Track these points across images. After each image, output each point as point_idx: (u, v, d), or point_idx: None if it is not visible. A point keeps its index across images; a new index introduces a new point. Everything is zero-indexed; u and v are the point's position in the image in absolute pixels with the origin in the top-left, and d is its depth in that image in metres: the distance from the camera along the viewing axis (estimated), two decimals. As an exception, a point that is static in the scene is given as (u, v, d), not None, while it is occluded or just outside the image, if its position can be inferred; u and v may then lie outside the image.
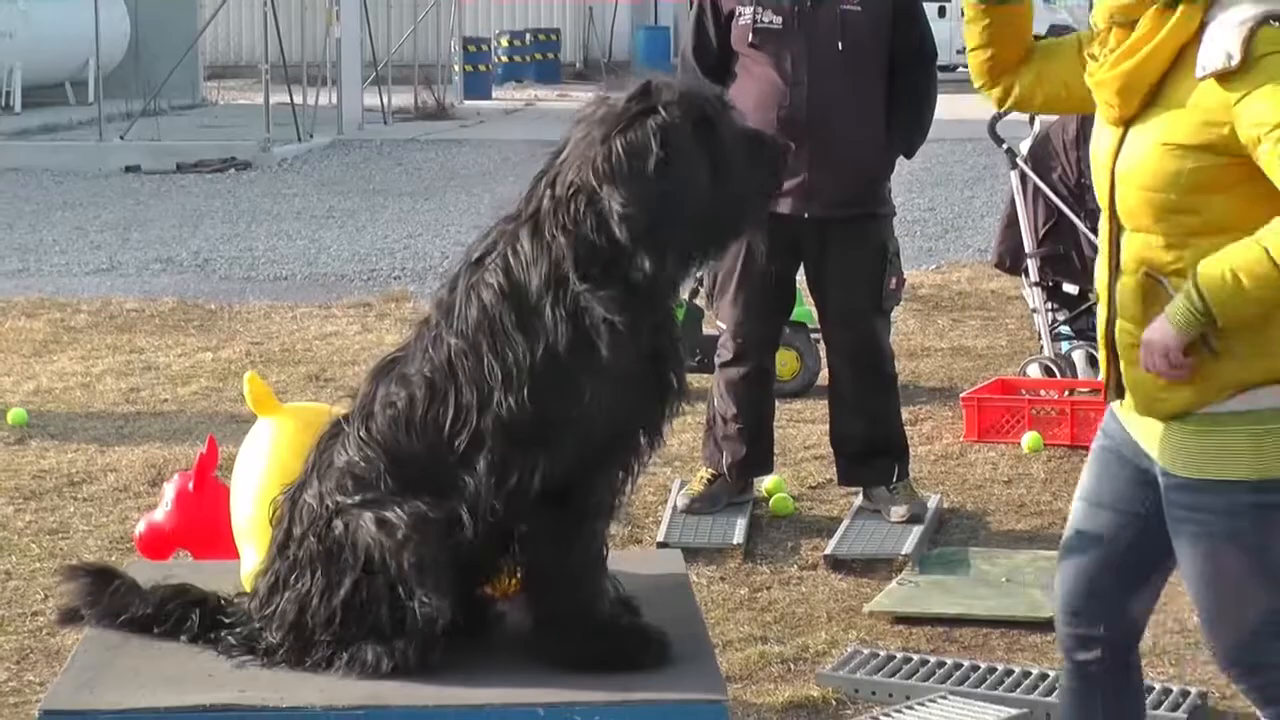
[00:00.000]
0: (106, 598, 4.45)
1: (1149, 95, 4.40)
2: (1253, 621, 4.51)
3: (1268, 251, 4.18)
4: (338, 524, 4.19)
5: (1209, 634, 4.67)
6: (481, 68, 39.07)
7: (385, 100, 32.78)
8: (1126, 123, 4.46)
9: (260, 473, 5.04)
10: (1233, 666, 4.65)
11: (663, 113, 4.14)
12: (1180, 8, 4.34)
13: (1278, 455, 4.36)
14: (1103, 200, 4.57)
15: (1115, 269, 4.54)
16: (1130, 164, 4.43)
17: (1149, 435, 4.55)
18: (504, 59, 42.02)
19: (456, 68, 37.66)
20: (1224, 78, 4.24)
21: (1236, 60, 4.20)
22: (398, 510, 4.14)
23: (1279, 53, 4.20)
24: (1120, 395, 4.58)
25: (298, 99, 28.82)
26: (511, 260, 4.18)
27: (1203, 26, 4.32)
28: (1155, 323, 4.32)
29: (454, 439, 4.17)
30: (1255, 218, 4.24)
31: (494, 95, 38.23)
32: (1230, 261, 4.21)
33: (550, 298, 4.12)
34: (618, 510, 4.41)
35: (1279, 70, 4.19)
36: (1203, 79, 4.28)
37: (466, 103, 36.28)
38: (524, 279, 4.15)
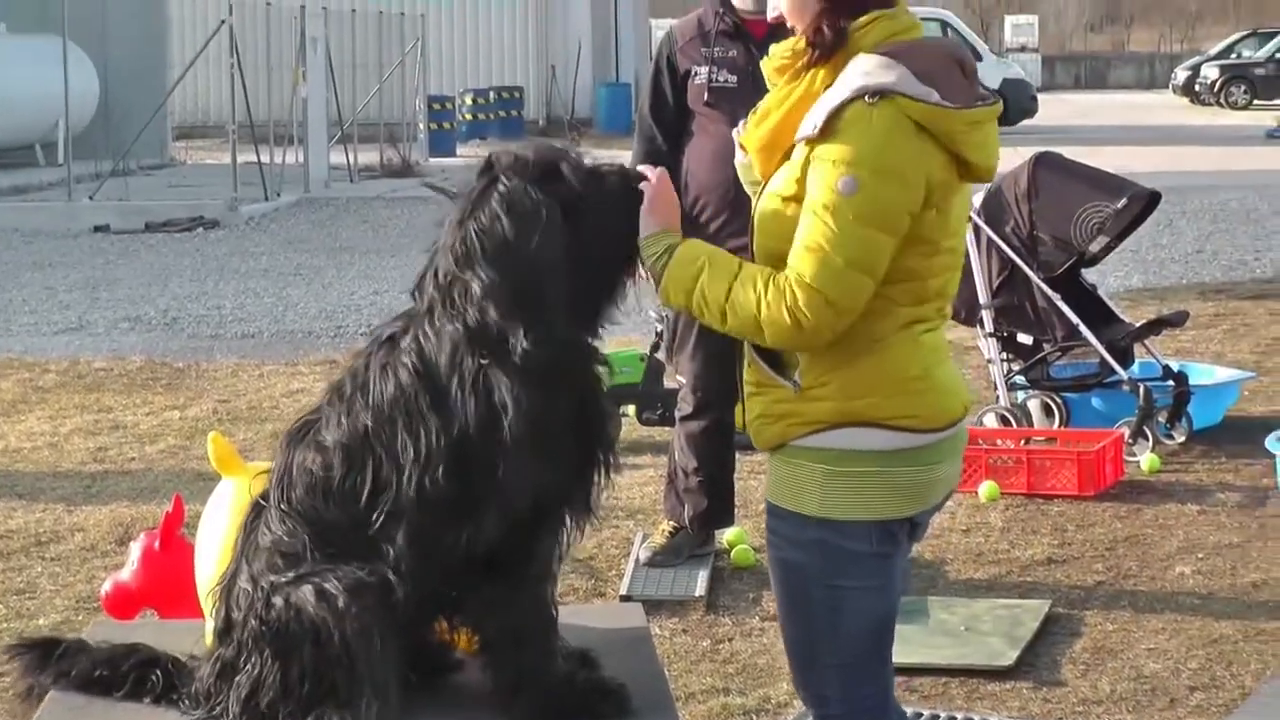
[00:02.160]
0: (55, 664, 4.42)
1: (785, 155, 4.48)
2: (818, 652, 4.58)
3: (721, 275, 4.31)
4: (276, 602, 4.17)
5: (788, 656, 4.72)
6: (446, 125, 39.11)
7: (351, 158, 32.81)
8: (768, 179, 4.56)
9: (225, 532, 5.02)
10: (802, 691, 4.73)
11: (502, 181, 4.16)
12: (806, 77, 4.45)
13: (841, 497, 4.42)
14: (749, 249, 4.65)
15: None
16: (759, 212, 4.52)
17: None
18: (468, 117, 42.04)
19: (421, 125, 37.71)
20: (809, 142, 4.32)
21: (817, 130, 4.28)
22: (334, 580, 4.12)
23: (851, 131, 4.25)
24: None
25: (265, 158, 28.81)
26: (423, 342, 4.19)
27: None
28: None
29: (372, 511, 4.17)
30: None
31: (458, 152, 38.22)
32: (691, 263, 4.33)
33: (456, 379, 4.14)
34: (558, 572, 4.39)
35: (840, 147, 4.25)
36: (797, 140, 4.37)
37: (431, 160, 36.28)
38: (435, 360, 4.17)
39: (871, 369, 4.37)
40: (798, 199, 4.33)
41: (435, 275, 4.22)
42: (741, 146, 4.66)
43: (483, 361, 4.12)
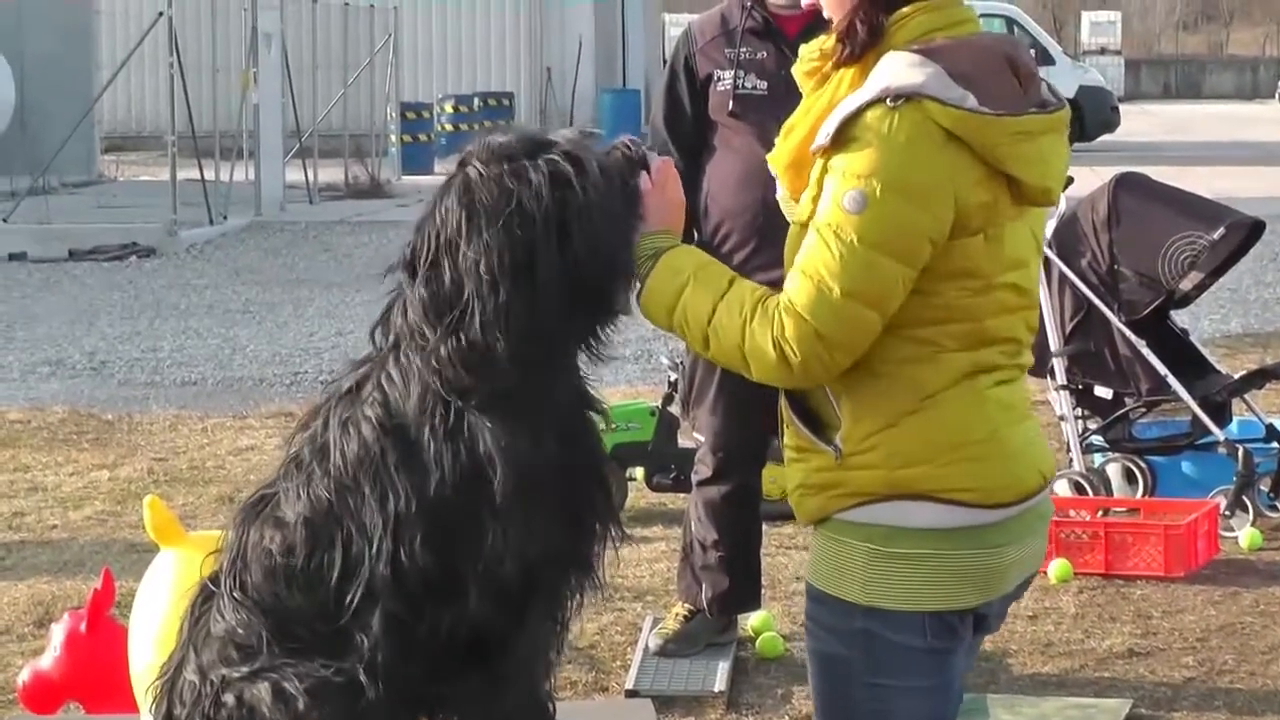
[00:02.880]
0: None
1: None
2: None
3: (708, 296, 4.33)
4: (228, 699, 4.21)
5: None
6: (422, 138, 39.22)
7: (311, 176, 32.86)
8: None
9: (164, 612, 5.05)
10: None
11: (474, 167, 4.18)
12: (834, 80, 4.46)
13: (889, 582, 4.38)
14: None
15: None
16: (786, 247, 4.52)
17: None
18: (448, 128, 42.02)
19: (393, 138, 37.77)
20: (823, 153, 4.32)
21: (828, 139, 4.29)
22: (294, 679, 4.16)
23: (866, 140, 4.25)
24: None
25: (209, 175, 28.87)
26: (388, 389, 4.21)
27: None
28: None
29: (342, 594, 4.19)
30: None
31: (436, 169, 38.27)
32: (674, 277, 4.35)
33: (429, 427, 4.15)
34: (555, 664, 4.42)
35: (855, 159, 4.25)
36: (813, 151, 4.37)
37: (405, 178, 36.40)
38: (402, 409, 4.18)
39: (923, 430, 4.31)
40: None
41: (402, 307, 4.23)
42: (774, 169, 4.66)
43: (458, 404, 4.13)
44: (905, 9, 4.37)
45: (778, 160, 4.58)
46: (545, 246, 4.13)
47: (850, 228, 4.19)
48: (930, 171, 4.24)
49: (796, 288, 4.22)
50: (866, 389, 4.32)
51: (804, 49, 4.58)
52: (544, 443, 4.19)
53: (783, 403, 4.48)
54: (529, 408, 4.16)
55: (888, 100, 4.23)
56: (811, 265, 4.21)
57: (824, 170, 4.31)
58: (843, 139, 4.25)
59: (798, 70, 4.56)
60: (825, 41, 4.46)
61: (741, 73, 8.27)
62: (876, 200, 4.18)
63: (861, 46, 4.38)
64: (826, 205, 4.24)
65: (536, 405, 4.18)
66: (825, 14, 4.50)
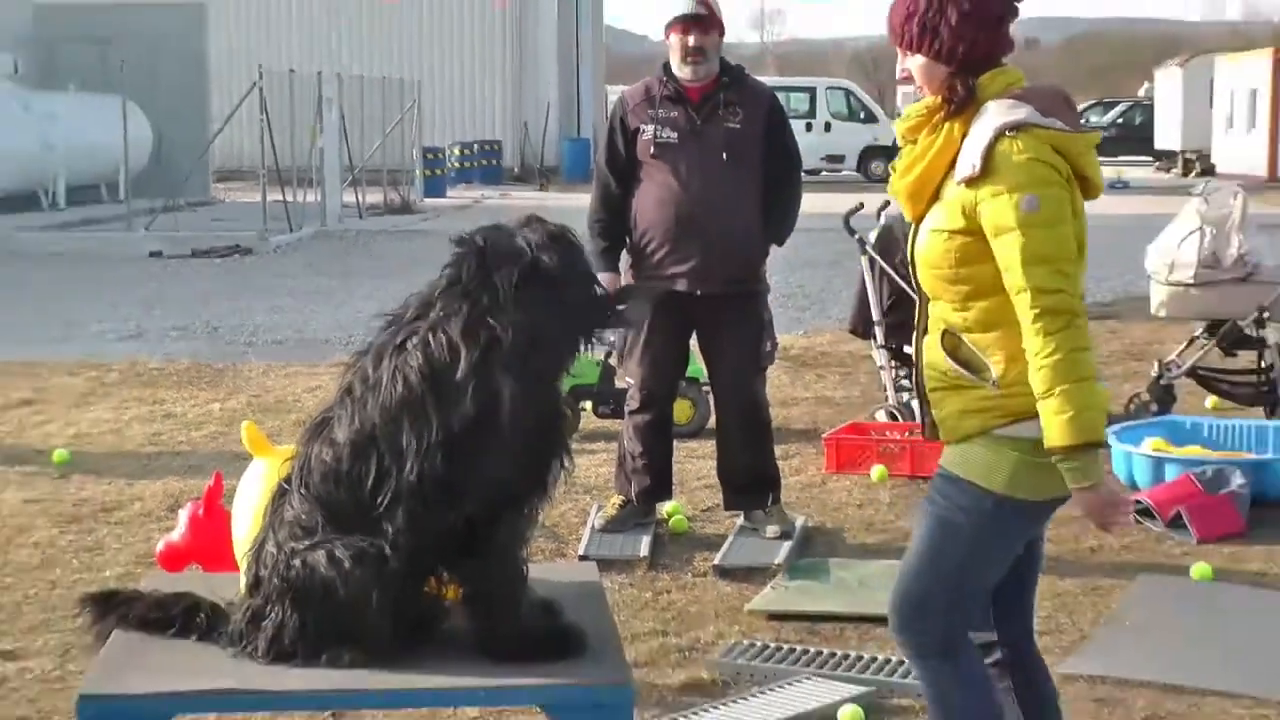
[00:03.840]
0: (117, 609, 4.45)
1: (933, 197, 4.48)
2: (930, 592, 4.54)
3: (1060, 389, 4.22)
4: (296, 563, 4.21)
5: (900, 598, 4.62)
6: (438, 171, 39.10)
7: (360, 198, 32.76)
8: (919, 219, 4.54)
9: (255, 503, 5.04)
10: (893, 614, 4.64)
11: (552, 233, 4.28)
12: (945, 129, 4.42)
13: (1028, 479, 4.38)
14: (913, 279, 4.65)
15: (922, 331, 4.61)
16: (920, 248, 4.50)
17: (946, 454, 4.59)
18: (456, 164, 41.99)
19: (418, 172, 37.66)
20: (970, 182, 4.31)
21: (977, 169, 4.28)
22: (341, 547, 4.16)
23: (1008, 163, 4.27)
24: (934, 434, 4.61)
25: (289, 197, 28.77)
26: (433, 346, 4.19)
27: (965, 139, 4.39)
28: (1078, 502, 4.34)
29: (376, 494, 4.19)
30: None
31: (448, 194, 38.21)
32: (1055, 418, 4.23)
33: (474, 380, 4.13)
34: (529, 539, 4.43)
35: (1004, 179, 4.27)
36: (958, 182, 4.36)
37: (426, 200, 36.28)
38: (446, 362, 4.16)
39: None
40: (965, 231, 4.34)
41: (485, 285, 4.21)
42: (894, 197, 4.62)
43: (505, 374, 4.13)
44: (984, 75, 4.40)
45: (899, 191, 4.55)
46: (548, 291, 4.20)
47: (1037, 220, 4.23)
48: (1053, 169, 4.30)
49: (1032, 275, 4.23)
50: (1014, 340, 4.31)
51: (909, 109, 4.55)
52: (534, 403, 4.19)
53: (940, 356, 4.47)
54: (537, 389, 4.20)
55: (1006, 132, 4.27)
56: (1030, 254, 4.23)
57: (974, 195, 4.31)
58: (987, 169, 4.27)
59: (902, 126, 4.53)
60: (930, 103, 4.45)
61: (659, 127, 8.25)
62: (1040, 196, 4.24)
63: (962, 104, 4.39)
64: (1003, 217, 4.25)
65: (542, 388, 4.23)
66: (916, 86, 4.50)
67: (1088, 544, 8.49)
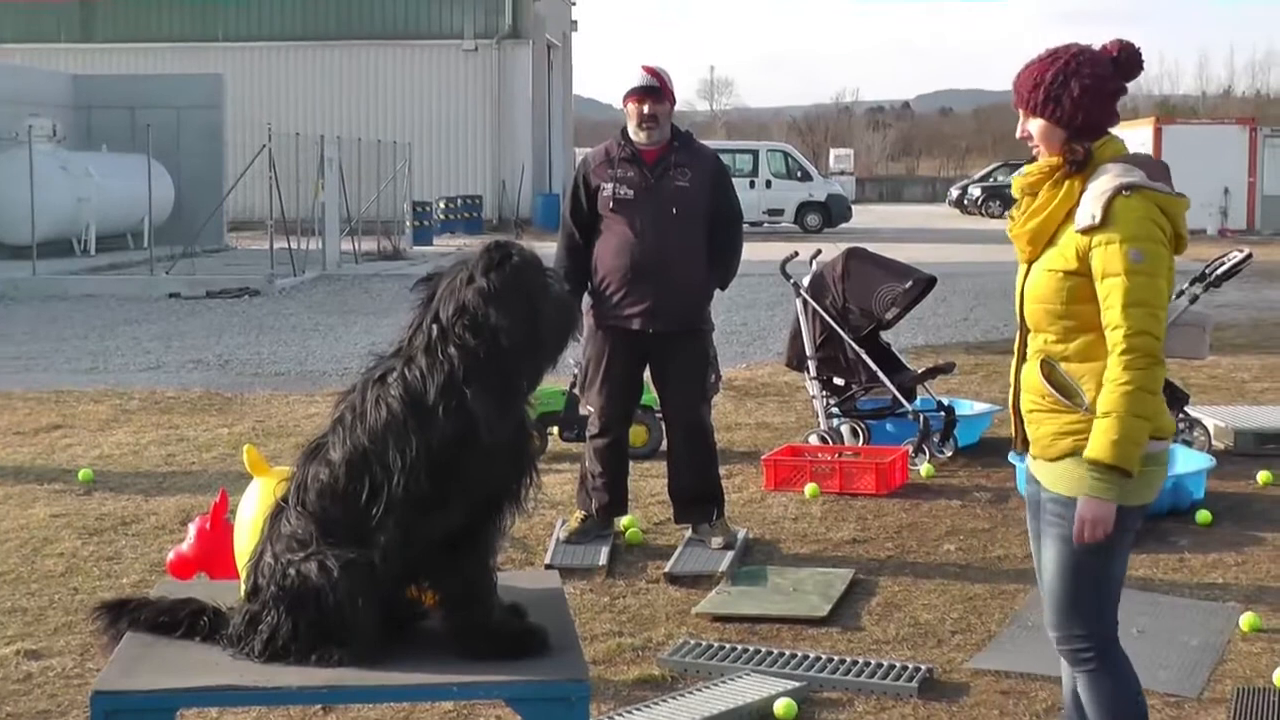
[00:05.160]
0: (129, 613, 4.38)
1: (1048, 242, 4.55)
2: (1079, 598, 4.57)
3: (1118, 415, 4.31)
4: (290, 573, 4.14)
5: (1051, 606, 4.66)
6: (425, 223, 38.97)
7: (356, 245, 32.65)
8: (1031, 261, 4.61)
9: (254, 518, 4.99)
10: (1054, 631, 4.67)
11: (516, 257, 4.15)
12: (1065, 184, 4.50)
13: (1124, 489, 4.44)
14: (1016, 313, 4.71)
15: (1021, 359, 4.69)
16: (1031, 285, 4.58)
17: (1041, 470, 4.65)
18: (442, 216, 41.88)
19: (408, 222, 37.62)
20: (1087, 231, 4.40)
21: (1098, 220, 4.37)
22: (331, 558, 4.10)
23: (1123, 217, 4.35)
24: (1025, 447, 4.69)
25: (294, 244, 28.68)
26: (409, 377, 4.14)
27: (1082, 193, 4.47)
28: (1083, 506, 4.41)
29: (370, 508, 4.13)
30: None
31: (434, 242, 38.09)
32: (1104, 436, 4.34)
33: (444, 401, 4.08)
34: (501, 548, 4.38)
35: (1118, 231, 4.35)
36: (1077, 230, 4.44)
37: (415, 248, 36.19)
38: (421, 389, 4.11)
39: None
40: (1079, 273, 4.42)
41: (437, 317, 4.14)
42: (1013, 237, 4.68)
43: (464, 390, 4.07)
44: (1098, 140, 4.50)
45: (1019, 235, 4.62)
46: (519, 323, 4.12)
47: (1142, 270, 4.32)
48: (1159, 228, 4.38)
49: (1130, 318, 4.31)
50: (1101, 372, 4.40)
51: (1028, 168, 4.62)
52: (509, 424, 4.15)
53: (1038, 380, 4.54)
54: (506, 404, 4.13)
55: (1124, 191, 4.36)
56: (1132, 299, 4.32)
57: (1089, 242, 4.39)
58: (1106, 220, 4.35)
59: (1021, 182, 4.62)
60: (1050, 162, 4.53)
61: (617, 185, 8.23)
62: (1147, 251, 4.34)
63: (1081, 164, 4.48)
64: (1114, 264, 4.35)
65: (511, 403, 4.16)
66: (1033, 145, 4.57)
67: (995, 553, 8.47)
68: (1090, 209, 4.39)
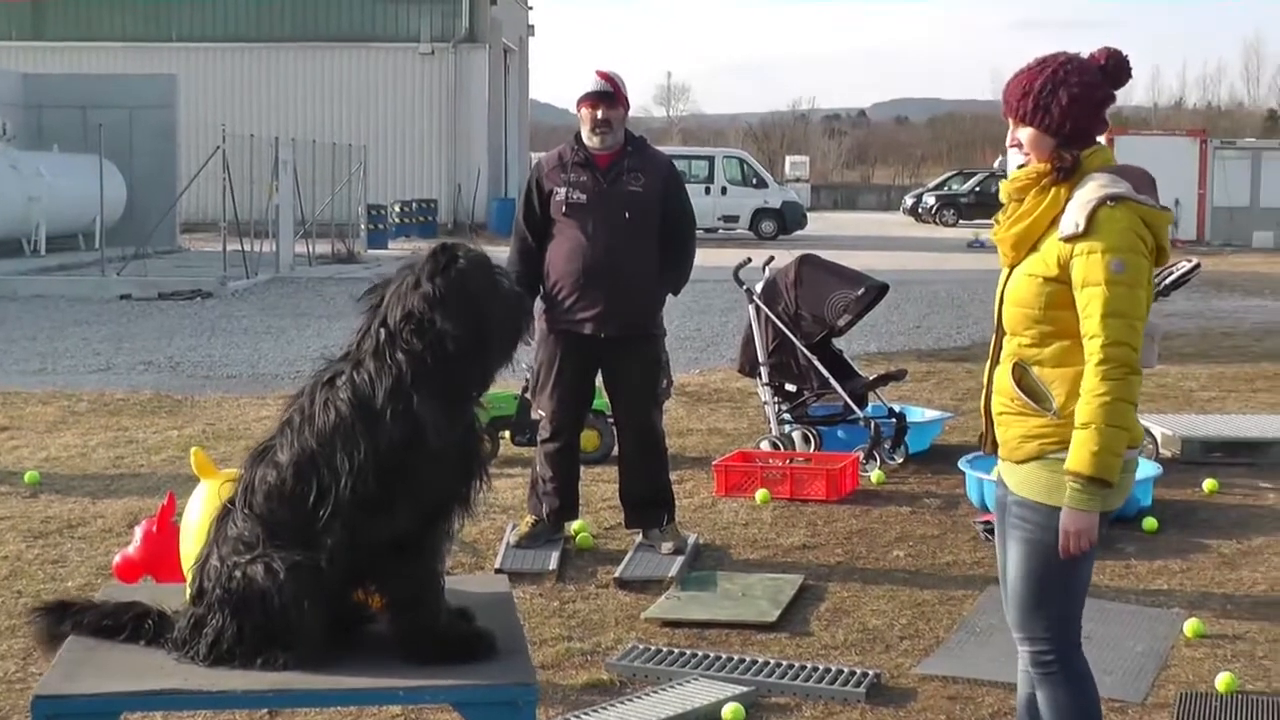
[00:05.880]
0: (72, 616, 4.35)
1: (1031, 247, 4.57)
2: (1043, 604, 4.60)
3: (1097, 426, 4.33)
4: (236, 575, 4.12)
5: (1015, 609, 4.68)
6: (380, 226, 38.83)
7: (310, 248, 32.53)
8: (1013, 265, 4.63)
9: (200, 522, 4.97)
10: (1018, 632, 4.70)
11: (463, 260, 4.14)
12: (1051, 191, 4.53)
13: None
14: (995, 316, 4.73)
15: (995, 361, 4.71)
16: (1011, 288, 4.60)
17: (1008, 472, 4.67)
18: (396, 220, 41.72)
19: (362, 226, 37.45)
20: (1071, 239, 4.42)
21: (1081, 228, 4.39)
22: (278, 560, 4.08)
23: (1106, 228, 4.37)
24: (994, 448, 4.72)
25: (247, 247, 28.53)
26: (357, 380, 4.13)
27: (1068, 201, 4.49)
28: (1066, 518, 4.43)
29: (317, 510, 4.11)
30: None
31: (389, 246, 37.97)
32: (1084, 448, 4.35)
33: (392, 405, 4.08)
34: (449, 552, 4.37)
35: (1100, 241, 4.37)
36: (1060, 238, 4.46)
37: (369, 251, 36.07)
38: (369, 393, 4.10)
39: None
40: (1059, 280, 4.44)
41: (385, 322, 4.13)
42: (997, 242, 4.69)
43: (412, 394, 4.06)
44: (1086, 150, 4.51)
45: (1003, 239, 4.63)
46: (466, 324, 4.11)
47: (1122, 281, 4.34)
48: (1141, 240, 4.40)
49: (1108, 327, 4.35)
50: (1073, 378, 4.43)
51: (1017, 172, 4.63)
52: (456, 427, 4.14)
53: (1008, 382, 4.58)
54: (454, 407, 4.12)
55: (1108, 201, 4.38)
56: (1111, 309, 4.34)
57: (1071, 249, 4.40)
58: (1089, 229, 4.37)
59: (1009, 187, 4.63)
60: (1038, 168, 4.54)
61: (570, 189, 8.24)
62: (1128, 262, 4.35)
63: (1068, 172, 4.50)
64: (1094, 273, 4.37)
65: (459, 406, 4.15)
66: (1024, 152, 4.58)
67: (944, 559, 8.50)
68: (1074, 217, 4.42)
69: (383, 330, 4.15)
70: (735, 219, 45.83)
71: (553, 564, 8.12)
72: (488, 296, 4.17)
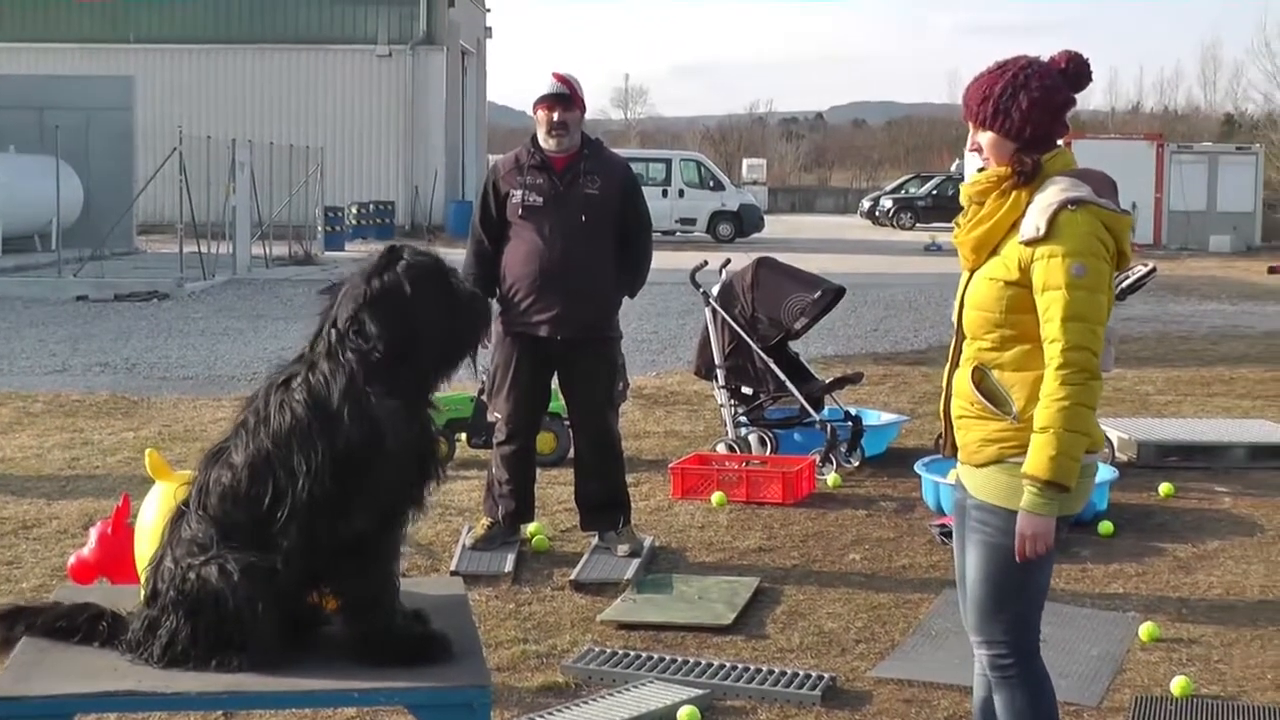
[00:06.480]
0: (25, 618, 4.33)
1: (991, 251, 4.56)
2: (1001, 607, 4.60)
3: (1055, 431, 4.33)
4: (190, 577, 4.10)
5: (972, 612, 4.68)
6: (337, 228, 38.76)
7: (267, 250, 32.44)
8: (974, 269, 4.62)
9: (154, 523, 4.95)
10: (975, 635, 4.70)
11: (406, 259, 4.15)
12: (1012, 195, 4.52)
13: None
14: (955, 319, 4.72)
15: (955, 364, 4.70)
16: (972, 293, 4.59)
17: (966, 475, 4.66)
18: (353, 222, 41.61)
19: (319, 227, 37.38)
20: (1031, 243, 4.42)
21: (1042, 232, 4.39)
22: (232, 562, 4.07)
23: (1067, 232, 4.37)
24: (953, 451, 4.71)
25: (204, 248, 28.41)
26: (313, 382, 4.13)
27: (1029, 205, 4.49)
28: (1023, 522, 4.42)
29: (273, 511, 4.10)
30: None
31: (346, 248, 37.88)
32: (1042, 452, 4.35)
33: (348, 405, 4.07)
34: (404, 554, 4.36)
35: (1061, 245, 4.37)
36: (1021, 241, 4.45)
37: (327, 253, 35.99)
38: (325, 394, 4.10)
39: None
40: (1019, 283, 4.43)
41: (335, 323, 4.13)
42: (958, 245, 4.68)
43: (369, 394, 4.05)
44: (1047, 154, 4.51)
45: (964, 242, 4.63)
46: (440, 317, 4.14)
47: (1082, 285, 4.33)
48: (1102, 244, 4.39)
49: (1067, 331, 4.35)
50: (1033, 382, 4.43)
51: (977, 175, 4.61)
52: (412, 426, 4.13)
53: (968, 386, 4.57)
54: (409, 407, 4.12)
55: (1069, 206, 4.37)
56: (1070, 313, 4.34)
57: (1031, 253, 4.40)
58: (1050, 233, 4.36)
59: (970, 189, 4.61)
60: (999, 172, 4.54)
61: (526, 192, 8.23)
62: (1089, 265, 4.34)
63: (1029, 176, 4.49)
64: (1055, 277, 4.36)
65: (414, 406, 4.14)
66: (982, 157, 4.58)
67: (900, 562, 8.52)
68: (1035, 221, 4.41)
69: (334, 331, 4.15)
70: (692, 222, 45.88)
71: (508, 566, 8.11)
72: (432, 298, 4.16)
